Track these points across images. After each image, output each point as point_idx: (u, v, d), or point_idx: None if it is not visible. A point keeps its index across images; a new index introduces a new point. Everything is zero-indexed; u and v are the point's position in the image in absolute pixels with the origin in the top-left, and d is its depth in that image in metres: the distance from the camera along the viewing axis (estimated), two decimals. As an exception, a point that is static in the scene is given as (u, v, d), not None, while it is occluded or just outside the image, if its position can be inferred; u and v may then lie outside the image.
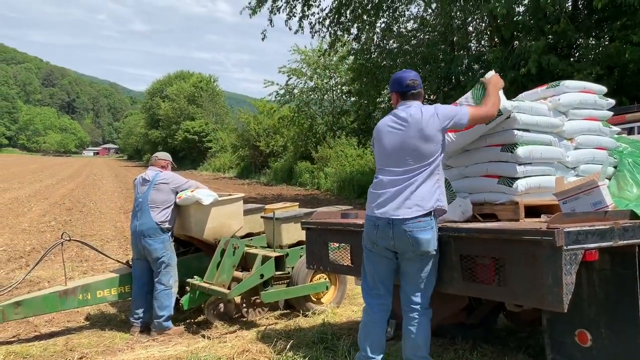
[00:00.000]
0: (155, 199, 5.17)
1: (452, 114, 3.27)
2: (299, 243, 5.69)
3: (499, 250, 2.93)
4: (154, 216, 5.13)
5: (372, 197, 3.35)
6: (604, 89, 3.99)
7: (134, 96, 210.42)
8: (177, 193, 5.27)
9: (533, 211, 3.52)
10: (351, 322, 5.20)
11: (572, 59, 12.23)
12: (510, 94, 11.03)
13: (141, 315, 5.17)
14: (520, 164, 3.46)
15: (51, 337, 5.04)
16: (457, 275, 3.16)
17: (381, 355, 3.41)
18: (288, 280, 5.58)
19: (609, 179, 3.75)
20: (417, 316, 3.28)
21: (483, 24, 15.37)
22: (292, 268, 5.59)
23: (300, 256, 5.58)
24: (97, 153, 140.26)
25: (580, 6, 12.82)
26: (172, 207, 5.25)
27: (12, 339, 5.00)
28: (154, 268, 5.19)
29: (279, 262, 5.48)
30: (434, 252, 3.21)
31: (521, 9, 13.12)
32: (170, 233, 5.26)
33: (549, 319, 3.17)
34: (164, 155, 5.63)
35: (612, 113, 4.03)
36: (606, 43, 11.91)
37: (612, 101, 3.98)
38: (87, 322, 5.57)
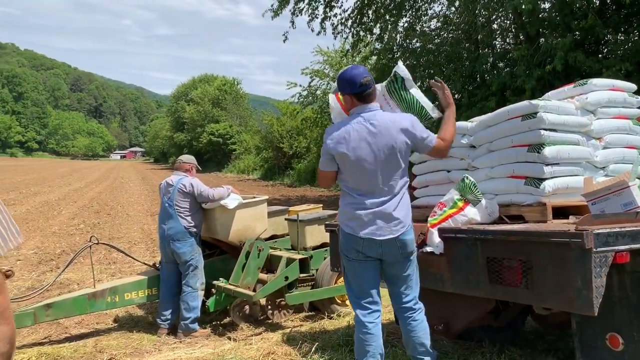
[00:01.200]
0: (180, 204, 5.24)
1: (426, 135, 3.13)
2: (322, 245, 5.69)
3: (527, 252, 2.88)
4: (181, 221, 5.21)
5: (351, 215, 3.13)
6: (634, 86, 3.90)
7: (160, 100, 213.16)
8: (197, 197, 5.31)
9: (561, 212, 3.46)
10: (376, 325, 5.17)
11: (600, 56, 11.98)
12: (537, 91, 10.88)
13: (168, 317, 5.24)
14: (547, 165, 3.40)
15: (81, 339, 5.14)
16: (483, 277, 3.11)
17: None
18: (312, 283, 5.59)
19: (639, 179, 3.66)
20: (413, 314, 3.24)
21: (508, 21, 15.16)
22: (317, 270, 5.59)
23: (325, 258, 5.58)
24: (124, 156, 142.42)
25: (608, 1, 12.56)
26: (198, 211, 5.31)
27: (44, 340, 5.11)
28: (182, 271, 5.26)
29: (304, 265, 5.49)
30: (415, 249, 3.23)
31: (547, 5, 12.92)
32: (197, 236, 5.32)
33: (578, 322, 3.10)
34: (187, 159, 5.67)
35: (642, 111, 3.93)
36: (635, 39, 11.63)
37: (642, 99, 3.89)
38: (116, 324, 5.66)
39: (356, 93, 3.10)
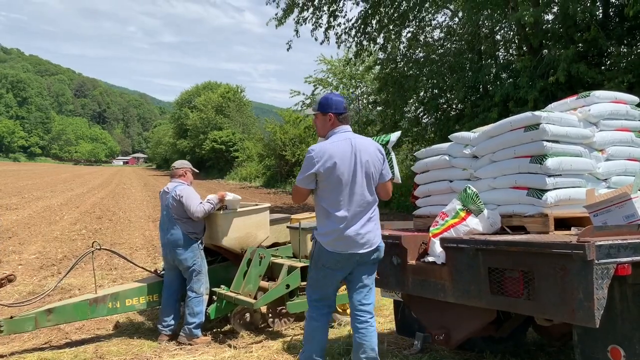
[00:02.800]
0: (178, 211, 5.23)
1: (387, 166, 3.56)
2: (325, 253, 5.68)
3: (528, 263, 2.88)
4: (181, 227, 5.21)
5: (330, 230, 3.38)
6: (636, 99, 3.91)
7: (163, 106, 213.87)
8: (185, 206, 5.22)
9: (563, 224, 3.46)
10: (378, 334, 5.15)
11: (603, 67, 12.02)
12: (540, 103, 10.89)
13: (170, 323, 5.23)
14: (549, 176, 3.41)
15: (81, 344, 5.13)
16: (485, 288, 3.12)
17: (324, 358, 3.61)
18: (314, 291, 5.57)
19: (642, 191, 3.67)
20: (370, 319, 3.51)
21: (511, 33, 15.22)
22: (318, 278, 5.57)
23: (326, 267, 5.56)
24: (127, 162, 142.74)
25: (611, 14, 12.61)
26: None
27: (44, 345, 5.10)
28: (185, 277, 5.26)
29: (305, 273, 5.48)
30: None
31: (550, 17, 12.98)
32: (199, 241, 5.33)
33: (580, 333, 3.09)
34: (180, 164, 5.63)
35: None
36: (638, 51, 11.67)
37: (645, 111, 3.90)
38: (116, 330, 5.65)
39: (340, 114, 3.48)
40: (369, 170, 3.39)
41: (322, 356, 3.57)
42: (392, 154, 3.90)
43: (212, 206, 5.28)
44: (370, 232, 3.40)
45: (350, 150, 3.36)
